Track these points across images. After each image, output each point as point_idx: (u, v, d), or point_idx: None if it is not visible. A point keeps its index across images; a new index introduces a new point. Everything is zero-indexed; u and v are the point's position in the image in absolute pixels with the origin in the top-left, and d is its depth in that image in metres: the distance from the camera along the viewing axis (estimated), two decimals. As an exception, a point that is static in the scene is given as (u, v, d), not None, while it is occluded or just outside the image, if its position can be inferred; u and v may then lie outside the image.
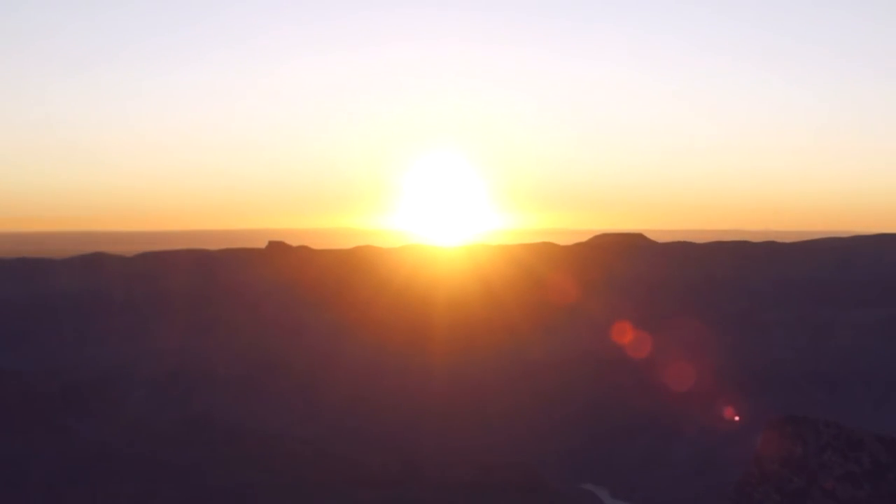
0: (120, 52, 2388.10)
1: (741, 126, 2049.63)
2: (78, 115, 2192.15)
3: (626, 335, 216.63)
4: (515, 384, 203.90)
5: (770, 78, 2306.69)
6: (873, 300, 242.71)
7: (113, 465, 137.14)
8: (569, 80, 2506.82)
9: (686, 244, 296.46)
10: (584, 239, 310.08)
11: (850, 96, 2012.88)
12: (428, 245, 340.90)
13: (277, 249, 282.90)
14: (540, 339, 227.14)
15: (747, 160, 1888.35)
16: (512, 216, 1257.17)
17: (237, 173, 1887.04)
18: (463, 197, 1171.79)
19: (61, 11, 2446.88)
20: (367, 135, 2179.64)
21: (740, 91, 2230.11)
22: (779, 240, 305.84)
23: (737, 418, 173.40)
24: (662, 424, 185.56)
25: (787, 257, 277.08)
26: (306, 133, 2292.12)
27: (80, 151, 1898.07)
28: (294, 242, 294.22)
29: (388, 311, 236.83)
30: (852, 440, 31.45)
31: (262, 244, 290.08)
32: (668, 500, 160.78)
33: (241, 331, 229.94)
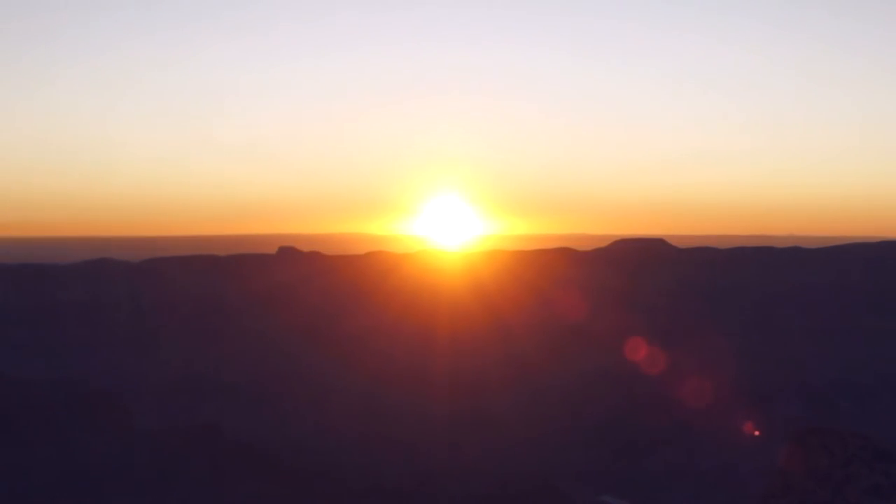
0: (125, 52, 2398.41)
1: (764, 128, 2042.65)
2: (81, 116, 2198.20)
3: (646, 346, 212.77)
4: (532, 396, 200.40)
5: (793, 78, 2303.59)
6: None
7: (119, 476, 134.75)
8: (583, 81, 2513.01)
9: (708, 249, 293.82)
10: (603, 244, 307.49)
11: (877, 97, 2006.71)
12: (444, 251, 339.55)
13: (288, 255, 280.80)
14: (558, 349, 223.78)
15: (770, 162, 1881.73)
16: (531, 221, 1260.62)
17: (246, 177, 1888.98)
18: (481, 202, 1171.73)
19: (63, 11, 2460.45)
20: (378, 138, 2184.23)
21: (763, 92, 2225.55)
22: (804, 245, 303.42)
23: (757, 433, 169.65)
24: (684, 436, 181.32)
25: (813, 263, 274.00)
26: (316, 136, 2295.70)
27: (85, 154, 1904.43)
28: (305, 248, 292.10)
29: (401, 318, 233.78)
30: (879, 451, 31.83)
31: (272, 249, 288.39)
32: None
33: (250, 338, 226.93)
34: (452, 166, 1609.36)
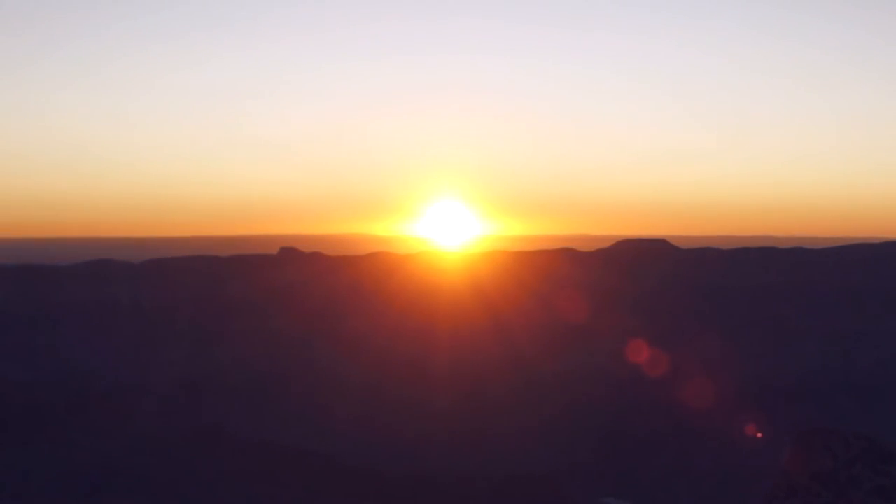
0: (126, 52, 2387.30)
1: (767, 127, 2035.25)
2: (83, 116, 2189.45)
3: (648, 347, 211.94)
4: (533, 396, 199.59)
5: (795, 78, 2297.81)
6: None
7: (119, 478, 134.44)
8: (584, 82, 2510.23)
9: (710, 250, 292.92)
10: (605, 245, 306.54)
11: (880, 96, 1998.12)
12: (446, 252, 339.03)
13: (289, 256, 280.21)
14: (558, 349, 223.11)
15: (773, 162, 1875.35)
16: (532, 222, 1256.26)
17: (248, 178, 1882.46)
18: (483, 203, 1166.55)
19: (65, 10, 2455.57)
20: (380, 139, 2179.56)
21: (765, 92, 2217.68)
22: (806, 245, 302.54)
23: (759, 435, 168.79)
24: (686, 437, 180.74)
25: (815, 263, 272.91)
26: (318, 138, 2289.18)
27: (86, 154, 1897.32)
28: (308, 248, 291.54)
29: (402, 319, 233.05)
30: (884, 453, 31.71)
31: (274, 250, 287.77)
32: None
33: (251, 339, 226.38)
34: (454, 168, 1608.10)
